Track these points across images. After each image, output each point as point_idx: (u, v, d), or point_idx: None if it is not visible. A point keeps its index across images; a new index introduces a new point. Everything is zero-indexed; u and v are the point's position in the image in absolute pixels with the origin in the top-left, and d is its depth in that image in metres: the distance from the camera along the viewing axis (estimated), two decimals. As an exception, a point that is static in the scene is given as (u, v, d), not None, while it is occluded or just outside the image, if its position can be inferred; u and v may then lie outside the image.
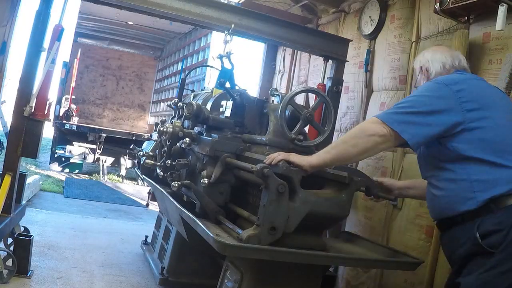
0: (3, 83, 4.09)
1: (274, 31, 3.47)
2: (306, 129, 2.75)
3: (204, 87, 5.27)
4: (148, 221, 5.52)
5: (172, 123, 2.64)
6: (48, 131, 7.76)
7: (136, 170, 3.96)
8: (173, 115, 3.47)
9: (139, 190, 8.50)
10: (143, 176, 3.47)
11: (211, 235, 1.93)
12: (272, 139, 2.44)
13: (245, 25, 3.36)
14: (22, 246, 3.07)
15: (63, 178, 8.38)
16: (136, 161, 3.83)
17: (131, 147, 3.62)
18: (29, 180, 5.55)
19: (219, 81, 2.72)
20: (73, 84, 10.22)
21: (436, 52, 1.94)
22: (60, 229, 4.55)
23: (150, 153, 3.14)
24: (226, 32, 3.25)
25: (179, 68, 9.82)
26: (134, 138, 8.99)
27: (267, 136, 2.49)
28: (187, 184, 2.37)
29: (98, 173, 9.27)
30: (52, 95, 8.25)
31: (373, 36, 3.62)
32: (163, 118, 3.49)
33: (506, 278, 1.50)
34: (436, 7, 2.63)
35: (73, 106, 10.10)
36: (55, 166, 9.17)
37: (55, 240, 4.09)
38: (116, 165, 9.62)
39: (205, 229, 2.00)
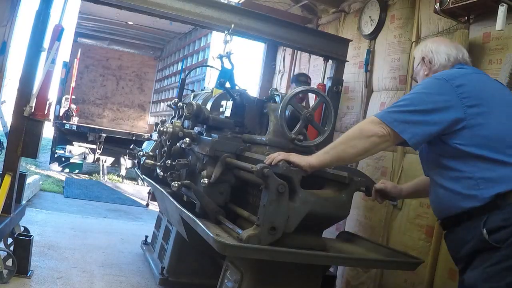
0: (3, 83, 4.09)
1: (274, 31, 3.47)
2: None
3: (204, 87, 5.28)
4: (148, 221, 5.52)
5: (172, 123, 2.64)
6: (48, 131, 7.76)
7: (136, 170, 3.96)
8: (173, 115, 3.47)
9: (139, 190, 8.50)
10: (143, 176, 3.47)
11: (211, 235, 1.93)
12: (272, 139, 2.44)
13: (245, 25, 3.36)
14: (22, 246, 3.07)
15: (63, 178, 8.38)
16: (136, 161, 3.83)
17: (131, 147, 3.61)
18: (29, 180, 5.55)
19: (219, 81, 2.72)
20: (73, 84, 10.22)
21: (440, 43, 1.90)
22: (60, 229, 4.55)
23: (150, 153, 3.14)
24: (226, 32, 3.25)
25: (179, 68, 9.82)
26: (134, 138, 9.00)
27: (267, 136, 2.49)
28: (187, 184, 2.36)
29: (98, 173, 9.28)
30: (52, 95, 8.26)
31: (373, 36, 3.62)
32: (163, 118, 3.49)
33: (510, 274, 1.49)
34: (436, 7, 2.63)
35: (73, 106, 10.11)
36: (55, 166, 9.18)
37: (55, 240, 4.09)
38: (116, 165, 9.62)
39: (205, 229, 2.00)
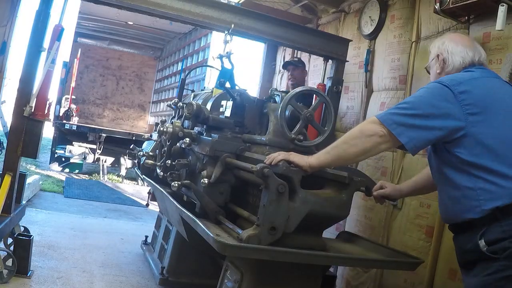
0: (3, 83, 4.09)
1: (274, 31, 3.47)
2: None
3: (204, 87, 5.28)
4: (148, 221, 5.52)
5: (172, 123, 2.64)
6: (48, 131, 7.77)
7: (136, 170, 3.96)
8: (173, 115, 3.47)
9: (139, 190, 8.50)
10: (143, 176, 3.47)
11: (211, 235, 1.93)
12: (272, 139, 2.44)
13: (245, 25, 3.36)
14: (22, 246, 3.07)
15: (63, 178, 8.39)
16: (136, 161, 3.83)
17: (131, 147, 3.61)
18: (29, 180, 5.56)
19: (219, 81, 2.72)
20: (73, 84, 10.23)
21: (458, 43, 1.83)
22: (60, 229, 4.55)
23: (150, 153, 3.14)
24: (226, 32, 3.25)
25: (179, 68, 9.82)
26: (134, 138, 9.00)
27: (267, 136, 2.49)
28: (187, 184, 2.37)
29: (98, 173, 9.28)
30: (52, 95, 8.26)
31: (373, 36, 3.62)
32: (163, 118, 3.49)
33: (508, 283, 1.49)
34: (436, 7, 2.63)
35: (73, 106, 10.11)
36: (55, 166, 9.18)
37: (55, 240, 4.09)
38: (116, 165, 9.62)
39: (205, 229, 2.00)
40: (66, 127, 9.04)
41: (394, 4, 3.45)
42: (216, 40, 7.74)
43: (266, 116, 2.67)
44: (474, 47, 1.82)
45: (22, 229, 3.41)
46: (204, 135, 2.60)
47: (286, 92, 2.70)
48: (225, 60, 2.90)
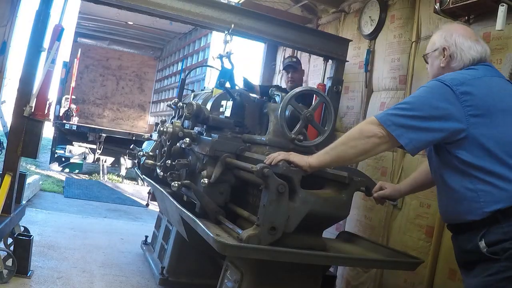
0: (3, 83, 4.09)
1: (274, 31, 3.47)
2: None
3: (204, 87, 5.28)
4: (148, 221, 5.52)
5: (172, 123, 2.64)
6: (48, 131, 7.77)
7: (136, 170, 3.96)
8: (173, 115, 3.47)
9: (139, 190, 8.50)
10: (143, 176, 3.47)
11: (211, 235, 1.93)
12: (272, 139, 2.44)
13: (245, 25, 3.36)
14: (22, 246, 3.07)
15: (63, 178, 8.38)
16: (136, 161, 3.83)
17: (131, 147, 3.62)
18: (29, 180, 5.56)
19: (219, 81, 2.72)
20: (73, 84, 10.23)
21: (466, 38, 1.74)
22: (60, 229, 4.55)
23: (150, 153, 3.14)
24: (226, 32, 3.25)
25: (179, 68, 9.82)
26: (134, 138, 9.00)
27: (267, 136, 2.49)
28: (187, 184, 2.37)
29: (98, 173, 9.28)
30: (52, 95, 8.26)
31: (373, 36, 3.62)
32: (163, 118, 3.49)
33: (508, 284, 1.49)
34: (436, 7, 2.63)
35: (73, 106, 10.11)
36: (55, 166, 9.18)
37: (55, 240, 4.09)
38: (116, 165, 9.62)
39: (205, 229, 2.00)
40: (66, 127, 9.04)
41: (394, 4, 3.45)
42: (216, 40, 7.74)
43: (266, 116, 2.67)
44: (480, 42, 1.77)
45: (22, 229, 3.41)
46: (204, 135, 2.60)
47: (284, 89, 2.70)
48: (225, 60, 2.90)
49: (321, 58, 3.91)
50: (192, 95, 3.73)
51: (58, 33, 3.09)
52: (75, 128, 9.10)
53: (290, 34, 3.52)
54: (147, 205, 6.91)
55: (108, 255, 3.97)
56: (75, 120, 10.03)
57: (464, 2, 2.44)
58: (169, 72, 11.02)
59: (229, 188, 2.40)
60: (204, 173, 2.37)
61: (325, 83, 3.79)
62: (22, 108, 2.99)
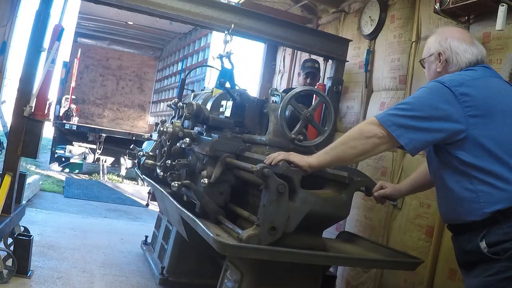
0: (3, 83, 4.09)
1: (274, 31, 3.47)
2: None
3: (204, 87, 5.28)
4: (148, 221, 5.52)
5: (172, 123, 2.64)
6: (48, 131, 7.77)
7: (136, 170, 3.96)
8: (173, 115, 3.47)
9: (139, 190, 8.50)
10: (143, 176, 3.47)
11: (211, 235, 1.93)
12: (272, 139, 2.44)
13: (245, 25, 3.36)
14: (22, 246, 3.07)
15: (63, 178, 8.39)
16: (136, 161, 3.83)
17: (131, 147, 3.62)
18: (29, 180, 5.56)
19: (219, 81, 2.72)
20: (73, 84, 10.23)
21: (461, 41, 1.75)
22: (60, 229, 4.55)
23: (150, 153, 3.14)
24: (226, 32, 3.25)
25: (179, 68, 9.82)
26: (134, 138, 9.00)
27: (267, 136, 2.49)
28: (187, 184, 2.37)
29: (98, 173, 9.28)
30: (52, 95, 8.27)
31: (373, 36, 3.62)
32: (163, 118, 3.49)
33: (509, 284, 1.49)
34: (436, 7, 2.63)
35: (73, 106, 10.11)
36: (55, 166, 9.18)
37: (55, 240, 4.09)
38: (116, 165, 9.62)
39: (205, 229, 2.00)
40: (66, 127, 9.04)
41: (394, 4, 3.45)
42: (216, 40, 7.74)
43: (266, 116, 2.67)
44: (475, 44, 1.78)
45: (22, 229, 3.41)
46: (204, 135, 2.60)
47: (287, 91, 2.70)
48: (225, 60, 2.90)
49: (321, 58, 3.91)
50: (192, 95, 3.73)
51: (58, 33, 3.09)
52: (75, 128, 9.10)
53: (290, 34, 3.52)
54: (147, 205, 6.91)
55: (108, 255, 3.97)
56: (75, 120, 10.03)
57: (464, 2, 2.44)
58: (169, 72, 11.02)
59: (229, 188, 2.40)
60: (204, 173, 2.37)
61: (325, 83, 3.79)
62: (22, 108, 2.99)
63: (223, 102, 2.77)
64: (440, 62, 1.79)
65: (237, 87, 2.87)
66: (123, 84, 13.11)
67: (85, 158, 9.34)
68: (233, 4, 4.35)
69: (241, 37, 3.46)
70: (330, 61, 3.77)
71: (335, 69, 3.69)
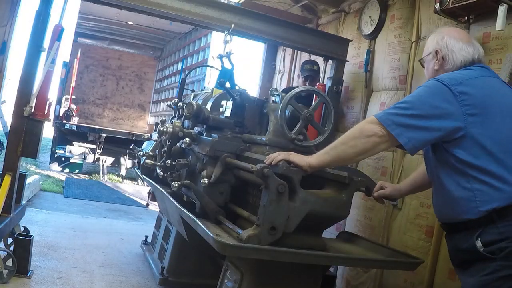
0: (3, 83, 4.09)
1: (274, 31, 3.47)
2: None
3: (204, 87, 5.28)
4: (148, 221, 5.52)
5: (172, 123, 2.64)
6: (48, 131, 7.77)
7: (136, 170, 3.96)
8: (173, 115, 3.47)
9: (139, 190, 8.50)
10: (143, 176, 3.47)
11: (211, 235, 1.93)
12: (272, 139, 2.44)
13: (245, 25, 3.36)
14: (22, 246, 3.07)
15: (63, 178, 8.38)
16: (136, 161, 3.83)
17: (131, 147, 3.62)
18: (29, 180, 5.56)
19: (219, 81, 2.72)
20: (73, 84, 10.23)
21: (458, 40, 1.77)
22: (60, 229, 4.55)
23: (150, 153, 3.14)
24: (226, 32, 3.25)
25: (179, 68, 9.82)
26: (134, 138, 9.00)
27: (267, 136, 2.49)
28: (187, 184, 2.37)
29: (98, 173, 9.28)
30: (52, 95, 8.26)
31: (373, 36, 3.62)
32: (163, 118, 3.49)
33: (505, 283, 1.50)
34: (436, 7, 2.63)
35: (73, 106, 10.11)
36: (55, 166, 9.18)
37: (55, 240, 4.09)
38: (116, 165, 9.62)
39: (205, 229, 2.00)
40: (66, 127, 9.04)
41: (394, 4, 3.45)
42: (216, 40, 7.74)
43: (266, 116, 2.67)
44: (473, 43, 1.79)
45: (22, 229, 3.41)
46: (204, 135, 2.60)
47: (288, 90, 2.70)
48: (225, 60, 2.90)
49: (321, 58, 3.91)
50: (192, 95, 3.73)
51: (58, 33, 3.09)
52: (75, 128, 9.10)
53: (290, 34, 3.52)
54: (147, 205, 6.91)
55: (108, 255, 3.97)
56: (75, 120, 10.03)
57: (464, 2, 2.45)
58: (169, 72, 11.02)
59: (229, 188, 2.40)
60: (204, 173, 2.37)
61: (325, 83, 3.79)
62: (22, 108, 2.99)
63: (223, 102, 2.77)
64: (437, 60, 1.81)
65: (237, 87, 2.87)
66: (123, 84, 13.10)
67: (85, 158, 9.34)
68: (233, 4, 4.35)
69: (241, 37, 3.46)
70: (330, 61, 3.77)
71: (335, 69, 3.69)
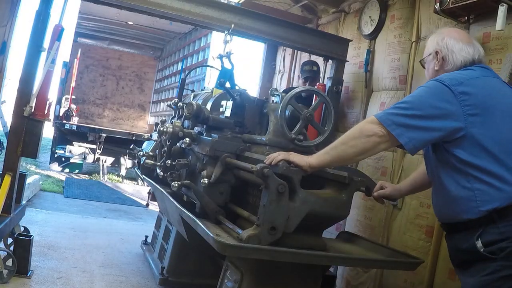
0: (3, 83, 4.09)
1: (274, 31, 3.47)
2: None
3: (204, 87, 5.28)
4: (148, 221, 5.52)
5: (172, 123, 2.64)
6: (48, 131, 7.77)
7: (136, 170, 3.96)
8: (173, 115, 3.47)
9: (139, 190, 8.50)
10: (143, 176, 3.47)
11: (211, 235, 1.93)
12: (272, 139, 2.44)
13: (245, 25, 3.36)
14: (22, 246, 3.07)
15: (63, 178, 8.38)
16: (136, 161, 3.83)
17: (131, 147, 3.61)
18: (29, 180, 5.56)
19: (219, 81, 2.72)
20: (73, 84, 10.23)
21: (458, 40, 1.78)
22: (60, 229, 4.55)
23: (150, 153, 3.14)
24: (226, 32, 3.25)
25: (179, 68, 9.82)
26: (134, 138, 9.00)
27: (267, 136, 2.49)
28: (187, 184, 2.36)
29: (98, 173, 9.28)
30: (52, 95, 8.26)
31: (373, 36, 3.62)
32: (163, 118, 3.49)
33: (505, 283, 1.50)
34: (436, 7, 2.63)
35: (73, 106, 10.11)
36: (55, 166, 9.18)
37: (55, 240, 4.09)
38: (116, 165, 9.62)
39: (205, 229, 2.00)
40: (66, 127, 9.04)
41: (394, 4, 3.45)
42: (216, 40, 7.74)
43: (266, 116, 2.67)
44: (473, 44, 1.79)
45: (22, 229, 3.41)
46: (204, 135, 2.60)
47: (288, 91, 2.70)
48: (225, 60, 2.90)
49: (321, 58, 3.91)
50: (192, 95, 3.73)
51: (58, 33, 3.09)
52: (75, 128, 9.10)
53: (290, 34, 3.52)
54: (147, 205, 6.91)
55: (108, 255, 3.97)
56: (75, 120, 10.03)
57: (464, 2, 2.45)
58: (169, 72, 11.02)
59: (229, 188, 2.40)
60: (204, 173, 2.37)
61: (325, 83, 3.79)
62: (22, 108, 2.99)
63: (223, 102, 2.77)
64: (437, 60, 1.82)
65: (237, 87, 2.87)
66: (123, 84, 13.11)
67: (85, 158, 9.34)
68: (233, 4, 4.35)
69: (241, 37, 3.46)
70: (330, 61, 3.77)
71: (335, 69, 3.69)
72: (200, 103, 2.74)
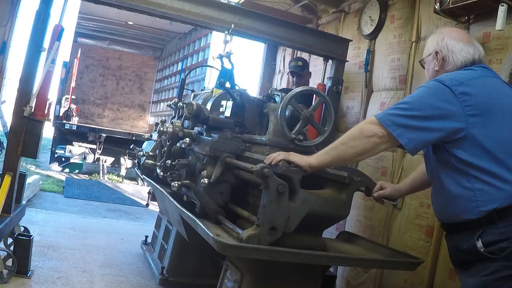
0: (3, 83, 4.09)
1: (274, 31, 3.47)
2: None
3: (204, 87, 5.28)
4: (148, 221, 5.52)
5: (172, 123, 2.64)
6: (48, 131, 7.77)
7: (136, 170, 3.96)
8: (173, 115, 3.47)
9: (139, 190, 8.50)
10: (143, 176, 3.47)
11: (211, 235, 1.93)
12: (272, 139, 2.44)
13: (245, 25, 3.36)
14: (22, 246, 3.07)
15: (63, 178, 8.39)
16: (136, 161, 3.83)
17: (131, 147, 3.62)
18: (29, 180, 5.56)
19: (219, 81, 2.72)
20: (73, 84, 10.23)
21: (458, 40, 1.77)
22: (60, 229, 4.55)
23: (150, 153, 3.14)
24: (226, 32, 3.25)
25: (179, 68, 9.82)
26: (134, 138, 9.00)
27: (267, 136, 2.49)
28: (187, 184, 2.36)
29: (98, 173, 9.28)
30: (52, 95, 8.26)
31: (373, 36, 3.62)
32: (163, 118, 3.49)
33: (506, 283, 1.50)
34: (436, 7, 2.63)
35: (73, 106, 10.11)
36: (55, 166, 9.18)
37: (55, 240, 4.09)
38: (116, 165, 9.62)
39: (205, 229, 2.00)
40: (66, 127, 9.04)
41: (394, 4, 3.45)
42: (216, 40, 7.74)
43: (266, 116, 2.67)
44: (473, 44, 1.79)
45: (22, 229, 3.41)
46: (204, 135, 2.60)
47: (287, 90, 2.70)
48: (225, 60, 2.90)
49: (321, 58, 3.91)
50: (192, 95, 3.73)
51: (58, 33, 3.09)
52: (75, 128, 9.11)
53: (290, 34, 3.52)
54: (147, 205, 6.91)
55: (108, 255, 3.97)
56: (75, 120, 10.03)
57: (464, 2, 2.44)
58: (169, 72, 11.02)
59: (229, 188, 2.40)
60: (204, 173, 2.37)
61: (325, 83, 3.79)
62: (22, 108, 2.99)
63: (223, 102, 2.77)
64: (437, 61, 1.81)
65: (237, 87, 2.87)
66: (123, 84, 13.11)
67: (85, 158, 9.35)
68: (233, 4, 4.35)
69: (241, 37, 3.46)
70: (330, 61, 3.77)
71: (335, 69, 3.69)
72: (200, 103, 2.74)
